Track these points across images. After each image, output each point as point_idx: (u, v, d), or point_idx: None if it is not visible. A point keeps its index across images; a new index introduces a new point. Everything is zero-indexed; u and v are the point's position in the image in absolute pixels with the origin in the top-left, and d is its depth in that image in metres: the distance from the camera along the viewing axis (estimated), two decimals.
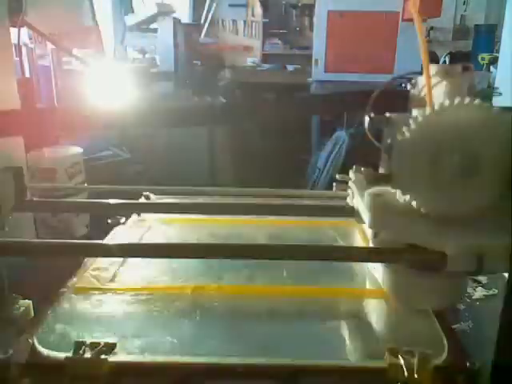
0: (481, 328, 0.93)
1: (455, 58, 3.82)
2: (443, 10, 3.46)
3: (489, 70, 3.25)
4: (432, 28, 4.39)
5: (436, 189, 0.63)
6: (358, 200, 0.80)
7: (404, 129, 0.63)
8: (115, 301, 0.83)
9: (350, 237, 1.09)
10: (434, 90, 0.74)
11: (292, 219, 1.14)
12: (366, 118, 0.76)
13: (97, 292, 0.85)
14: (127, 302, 0.82)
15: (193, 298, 0.83)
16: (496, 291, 1.06)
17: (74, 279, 0.90)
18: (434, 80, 0.75)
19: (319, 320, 0.79)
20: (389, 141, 0.72)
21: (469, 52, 3.90)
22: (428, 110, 0.64)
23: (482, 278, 1.12)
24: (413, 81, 0.81)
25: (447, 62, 3.75)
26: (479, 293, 1.07)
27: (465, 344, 0.75)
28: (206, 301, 0.83)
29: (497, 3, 4.23)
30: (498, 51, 2.18)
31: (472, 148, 0.61)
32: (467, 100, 0.62)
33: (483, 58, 3.31)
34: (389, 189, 0.69)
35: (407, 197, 0.65)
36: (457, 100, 0.62)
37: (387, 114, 0.76)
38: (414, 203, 0.64)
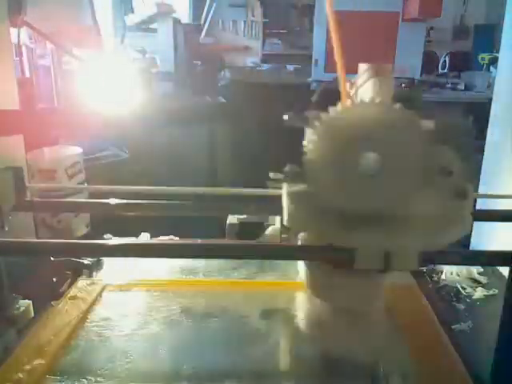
0: (481, 328, 0.93)
1: (455, 57, 3.82)
2: (443, 10, 3.47)
3: (489, 69, 3.25)
4: (432, 28, 4.39)
5: (343, 187, 0.63)
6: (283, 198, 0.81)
7: (315, 126, 0.63)
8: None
9: None
10: (364, 88, 0.75)
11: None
12: (285, 117, 0.77)
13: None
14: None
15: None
16: (496, 291, 1.06)
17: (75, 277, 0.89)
18: (362, 78, 0.76)
19: None
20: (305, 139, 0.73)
21: (469, 52, 3.91)
22: (338, 107, 0.65)
23: (482, 278, 1.12)
24: (352, 80, 0.82)
25: (447, 62, 3.75)
26: (479, 293, 1.07)
27: (465, 344, 0.75)
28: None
29: (497, 3, 4.23)
30: (498, 51, 2.18)
31: (379, 147, 0.61)
32: (379, 99, 0.62)
33: (483, 58, 3.32)
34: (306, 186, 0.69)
35: (318, 194, 0.65)
36: (369, 99, 0.63)
37: (305, 113, 0.77)
38: (323, 200, 0.64)
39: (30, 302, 0.89)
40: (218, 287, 0.95)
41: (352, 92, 0.76)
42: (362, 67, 0.77)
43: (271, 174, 0.95)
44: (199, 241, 0.96)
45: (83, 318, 0.82)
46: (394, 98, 0.68)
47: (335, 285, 0.71)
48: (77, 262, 0.97)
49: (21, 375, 0.67)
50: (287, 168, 0.78)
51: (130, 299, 0.90)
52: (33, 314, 0.88)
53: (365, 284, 0.71)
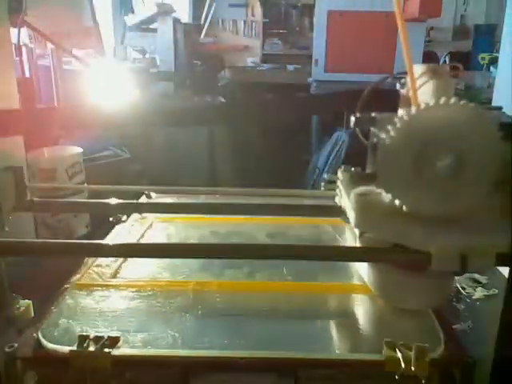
0: (481, 328, 0.93)
1: (455, 57, 3.82)
2: (443, 10, 3.47)
3: (489, 69, 3.25)
4: (432, 28, 4.39)
5: (420, 189, 0.63)
6: (345, 200, 0.80)
7: (389, 128, 0.63)
8: (118, 296, 0.84)
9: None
10: (422, 89, 0.74)
11: (292, 217, 1.16)
12: (352, 118, 0.77)
13: (100, 288, 0.86)
14: (130, 298, 0.83)
15: (194, 293, 0.84)
16: (496, 291, 1.06)
17: (77, 276, 0.91)
18: (421, 80, 0.75)
19: (316, 316, 0.80)
20: (374, 140, 0.73)
21: (469, 52, 3.90)
22: (413, 109, 0.64)
23: (482, 278, 1.12)
24: (402, 80, 0.81)
25: (447, 62, 3.75)
26: (479, 293, 1.07)
27: (465, 343, 0.75)
28: (207, 296, 0.84)
29: (497, 3, 4.23)
30: (497, 51, 2.18)
31: (457, 147, 0.61)
32: (453, 99, 0.62)
33: (483, 58, 3.32)
34: (374, 188, 0.69)
35: (391, 196, 0.65)
36: (442, 99, 0.62)
37: (373, 114, 0.76)
38: (397, 203, 0.64)
39: (30, 302, 0.89)
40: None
41: (410, 93, 0.75)
42: (419, 68, 0.76)
43: (326, 175, 0.97)
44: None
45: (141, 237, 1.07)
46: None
47: (408, 286, 0.71)
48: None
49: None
50: (351, 170, 0.79)
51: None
52: (33, 314, 0.88)
53: (436, 285, 0.71)
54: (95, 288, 0.86)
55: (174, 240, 1.08)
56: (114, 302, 0.82)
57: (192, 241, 1.07)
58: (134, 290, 0.86)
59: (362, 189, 0.72)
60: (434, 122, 0.62)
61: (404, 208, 0.64)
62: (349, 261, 0.91)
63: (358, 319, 0.79)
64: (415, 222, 0.65)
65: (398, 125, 0.62)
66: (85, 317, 0.78)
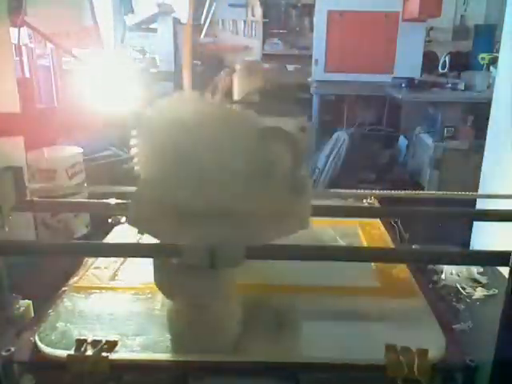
0: (481, 328, 0.93)
1: (455, 57, 3.82)
2: (443, 10, 3.47)
3: (489, 69, 3.25)
4: (432, 28, 4.38)
5: (172, 185, 0.64)
6: None
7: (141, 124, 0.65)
8: (116, 299, 0.83)
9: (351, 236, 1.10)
10: (238, 84, 0.77)
11: None
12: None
13: (98, 291, 0.86)
14: (128, 301, 0.83)
15: None
16: (496, 291, 1.06)
17: (76, 278, 0.90)
18: (239, 75, 0.78)
19: (320, 317, 0.80)
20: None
21: (469, 52, 3.90)
22: (154, 107, 0.65)
23: (482, 278, 1.12)
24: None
25: (447, 62, 3.75)
26: (479, 293, 1.07)
27: (465, 343, 0.75)
28: None
29: (497, 3, 4.22)
30: (497, 51, 2.17)
31: (199, 145, 0.62)
32: (186, 96, 0.63)
33: (483, 58, 3.31)
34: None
35: (153, 193, 0.66)
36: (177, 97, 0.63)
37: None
38: (157, 199, 0.65)
39: (30, 302, 0.89)
40: None
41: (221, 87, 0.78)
42: (237, 64, 0.79)
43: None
44: None
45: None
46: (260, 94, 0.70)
47: (177, 282, 0.71)
48: None
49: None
50: None
51: None
52: (33, 314, 0.88)
53: (206, 281, 0.70)
54: (93, 291, 0.85)
55: None
56: (113, 305, 0.82)
57: None
58: (132, 292, 0.85)
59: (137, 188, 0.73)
60: (178, 119, 0.63)
61: (164, 203, 0.65)
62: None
63: (359, 321, 0.79)
64: (175, 218, 0.65)
65: (142, 122, 0.64)
66: (83, 320, 0.77)
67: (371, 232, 1.08)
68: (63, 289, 0.86)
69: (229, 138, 0.61)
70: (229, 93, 0.79)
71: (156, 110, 0.63)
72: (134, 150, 0.65)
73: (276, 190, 0.65)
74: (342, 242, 1.07)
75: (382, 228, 1.10)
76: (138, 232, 0.71)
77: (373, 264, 0.91)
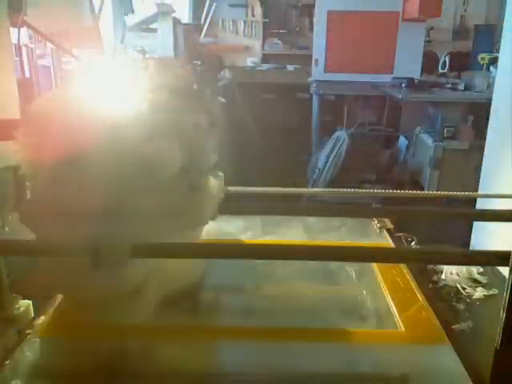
0: (481, 328, 0.93)
1: (455, 57, 3.82)
2: (443, 10, 3.47)
3: (489, 69, 3.25)
4: (432, 28, 4.39)
5: (55, 185, 0.65)
6: None
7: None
8: None
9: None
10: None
11: None
12: None
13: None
14: None
15: None
16: (496, 291, 1.06)
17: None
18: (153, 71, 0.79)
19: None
20: None
21: (469, 52, 3.90)
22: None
23: (482, 278, 1.12)
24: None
25: (447, 62, 3.75)
26: (479, 293, 1.07)
27: (465, 344, 0.75)
28: None
29: (497, 3, 4.22)
30: (497, 51, 2.18)
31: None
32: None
33: (483, 58, 3.31)
34: None
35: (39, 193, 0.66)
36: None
37: None
38: (43, 199, 0.67)
39: (30, 302, 0.88)
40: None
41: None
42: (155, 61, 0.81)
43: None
44: None
45: None
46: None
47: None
48: None
49: None
50: None
51: None
52: (33, 314, 0.88)
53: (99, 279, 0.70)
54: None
55: None
56: None
57: None
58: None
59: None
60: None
61: (50, 203, 0.66)
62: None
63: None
64: (61, 218, 0.66)
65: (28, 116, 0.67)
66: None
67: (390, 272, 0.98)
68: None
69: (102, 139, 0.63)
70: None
71: (38, 106, 0.65)
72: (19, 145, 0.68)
73: (163, 188, 0.66)
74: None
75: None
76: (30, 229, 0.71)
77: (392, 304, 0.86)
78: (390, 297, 0.87)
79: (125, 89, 0.70)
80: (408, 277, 0.96)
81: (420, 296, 0.89)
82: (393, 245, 1.10)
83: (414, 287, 0.92)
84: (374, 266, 0.98)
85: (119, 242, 0.64)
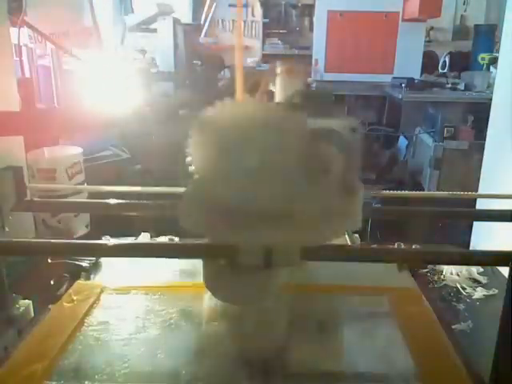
0: (481, 328, 0.93)
1: (455, 57, 3.82)
2: (443, 10, 3.47)
3: (489, 69, 3.25)
4: (432, 28, 4.39)
5: (225, 185, 0.64)
6: None
7: (198, 122, 0.65)
8: None
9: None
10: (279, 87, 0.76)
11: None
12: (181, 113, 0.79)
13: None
14: None
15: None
16: (496, 291, 1.06)
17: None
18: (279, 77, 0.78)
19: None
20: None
21: (469, 52, 3.90)
22: (214, 107, 0.64)
23: (482, 278, 1.12)
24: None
25: (447, 62, 3.75)
26: (479, 293, 1.07)
27: (465, 344, 0.75)
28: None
29: (497, 3, 4.22)
30: (498, 51, 2.18)
31: (253, 146, 0.62)
32: (249, 98, 0.64)
33: (483, 58, 3.31)
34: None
35: (206, 189, 0.66)
36: (244, 98, 0.64)
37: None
38: (210, 199, 0.65)
39: (30, 302, 0.89)
40: None
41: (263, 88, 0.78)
42: (279, 66, 0.79)
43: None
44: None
45: (81, 321, 0.78)
46: (302, 96, 0.69)
47: (228, 283, 0.71)
48: (74, 264, 0.96)
49: (18, 380, 0.65)
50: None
51: (128, 302, 0.86)
52: (33, 314, 0.88)
53: (252, 282, 0.70)
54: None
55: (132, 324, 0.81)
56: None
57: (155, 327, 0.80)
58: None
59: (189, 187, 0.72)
60: (235, 120, 0.63)
61: (217, 203, 0.65)
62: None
63: None
64: (227, 218, 0.65)
65: (200, 123, 0.64)
66: None
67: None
68: (61, 290, 0.85)
69: (282, 139, 0.62)
70: (267, 94, 0.79)
71: (212, 112, 0.63)
72: (189, 150, 0.66)
73: (328, 191, 0.65)
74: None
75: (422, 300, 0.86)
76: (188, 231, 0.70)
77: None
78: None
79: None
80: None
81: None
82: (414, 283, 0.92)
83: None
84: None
85: (291, 242, 0.64)
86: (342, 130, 0.65)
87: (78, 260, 0.96)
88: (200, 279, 0.77)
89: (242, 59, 0.77)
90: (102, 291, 0.87)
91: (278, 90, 0.77)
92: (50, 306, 0.83)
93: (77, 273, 0.93)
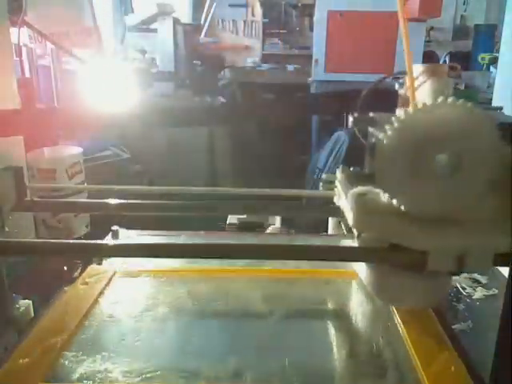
0: (481, 328, 0.93)
1: (455, 57, 3.82)
2: (443, 10, 3.47)
3: (489, 69, 3.25)
4: (432, 28, 4.39)
5: (417, 188, 0.62)
6: (343, 200, 0.79)
7: (386, 128, 0.63)
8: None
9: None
10: (421, 89, 0.74)
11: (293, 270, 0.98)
12: (351, 118, 0.77)
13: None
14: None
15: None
16: (496, 291, 1.06)
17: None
18: (420, 79, 0.75)
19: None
20: (372, 140, 0.73)
21: (469, 52, 3.90)
22: (411, 108, 0.64)
23: (482, 278, 1.12)
24: (401, 80, 0.81)
25: (447, 62, 3.75)
26: (479, 293, 1.07)
27: (465, 344, 0.75)
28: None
29: (497, 3, 4.23)
30: (498, 51, 2.18)
31: (453, 147, 0.61)
32: (450, 99, 0.62)
33: (483, 58, 3.31)
34: (373, 188, 0.69)
35: (389, 196, 0.64)
36: (440, 99, 0.62)
37: (371, 114, 0.76)
38: (395, 202, 0.64)
39: (30, 302, 0.89)
40: (220, 273, 0.98)
41: (407, 93, 0.76)
42: (418, 68, 0.76)
43: (324, 175, 0.97)
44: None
45: (95, 300, 0.85)
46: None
47: (404, 286, 0.71)
48: None
49: (40, 351, 0.70)
50: (349, 170, 0.79)
51: (138, 284, 0.93)
52: (33, 314, 0.88)
53: (432, 285, 0.70)
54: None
55: (142, 303, 0.87)
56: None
57: (163, 305, 0.86)
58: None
59: (360, 189, 0.72)
60: (430, 122, 0.62)
61: (402, 208, 0.64)
62: (346, 261, 0.90)
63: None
64: (412, 221, 0.64)
65: (396, 125, 0.62)
66: None
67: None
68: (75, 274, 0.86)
69: (479, 140, 0.61)
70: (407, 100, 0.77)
71: (406, 114, 0.62)
72: (379, 150, 0.64)
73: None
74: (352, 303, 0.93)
75: None
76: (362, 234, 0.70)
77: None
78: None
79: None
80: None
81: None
82: None
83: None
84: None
85: (483, 247, 0.63)
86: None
87: None
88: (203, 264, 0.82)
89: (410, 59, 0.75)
90: (114, 274, 0.94)
91: (426, 93, 0.75)
92: (65, 288, 0.88)
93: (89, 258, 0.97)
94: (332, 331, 0.82)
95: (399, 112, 0.65)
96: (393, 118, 0.62)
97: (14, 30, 1.84)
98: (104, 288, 0.89)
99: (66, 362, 0.69)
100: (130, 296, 0.89)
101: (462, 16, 4.64)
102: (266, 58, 4.69)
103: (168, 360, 0.73)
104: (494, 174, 0.61)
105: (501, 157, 0.61)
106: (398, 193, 0.63)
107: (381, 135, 0.63)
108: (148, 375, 0.67)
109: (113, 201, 0.95)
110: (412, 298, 0.73)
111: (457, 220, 0.63)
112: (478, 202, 0.62)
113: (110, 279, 0.92)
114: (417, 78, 0.75)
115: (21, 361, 0.68)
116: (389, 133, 0.62)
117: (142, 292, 0.90)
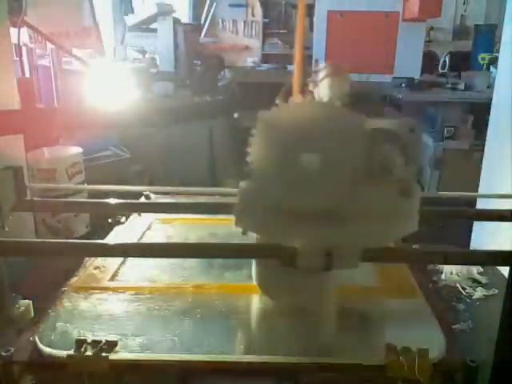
0: (481, 328, 0.93)
1: (455, 57, 3.82)
2: (443, 10, 3.47)
3: (489, 69, 3.25)
4: (432, 28, 4.39)
5: (286, 185, 0.64)
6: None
7: (257, 125, 0.64)
8: (116, 299, 0.83)
9: None
10: (321, 85, 0.76)
11: None
12: (235, 115, 0.79)
13: (97, 291, 0.85)
14: (128, 301, 0.83)
15: (193, 296, 0.84)
16: (496, 291, 1.06)
17: (75, 278, 0.90)
18: (320, 76, 0.78)
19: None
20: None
21: (469, 52, 3.90)
22: (275, 108, 0.65)
23: (482, 278, 1.12)
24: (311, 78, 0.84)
25: (447, 62, 3.75)
26: (479, 293, 1.07)
27: (465, 343, 0.75)
28: (206, 299, 0.83)
29: (497, 3, 4.23)
30: (498, 51, 2.18)
31: (314, 146, 0.62)
32: (311, 99, 0.63)
33: (483, 58, 3.31)
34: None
35: (263, 190, 0.65)
36: (300, 99, 0.64)
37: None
38: (267, 198, 0.65)
39: (30, 302, 0.89)
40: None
41: (312, 89, 0.77)
42: (321, 66, 0.79)
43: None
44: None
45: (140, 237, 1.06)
46: (352, 95, 0.69)
47: (282, 283, 0.71)
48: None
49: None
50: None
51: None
52: (33, 314, 0.88)
53: (311, 283, 0.71)
54: (93, 291, 0.85)
55: (173, 241, 1.06)
56: (112, 305, 0.82)
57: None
58: (132, 292, 0.85)
59: (244, 186, 0.72)
60: (295, 121, 0.63)
61: (274, 202, 0.65)
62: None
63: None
64: (285, 219, 0.65)
65: (261, 123, 0.64)
66: (82, 320, 0.77)
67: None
68: (63, 289, 0.86)
69: (342, 139, 0.62)
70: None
71: (273, 112, 0.64)
72: (250, 149, 0.66)
73: (386, 191, 0.64)
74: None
75: None
76: (243, 231, 0.70)
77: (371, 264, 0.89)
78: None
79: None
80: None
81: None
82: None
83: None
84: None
85: (351, 244, 0.64)
86: (401, 130, 0.64)
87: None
88: None
89: (302, 57, 0.77)
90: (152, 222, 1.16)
91: (324, 90, 0.76)
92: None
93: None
94: None
95: (262, 112, 0.65)
96: (258, 116, 0.64)
97: (14, 30, 1.84)
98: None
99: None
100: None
101: (461, 16, 4.64)
102: (265, 58, 4.69)
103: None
104: (358, 173, 0.62)
105: (366, 155, 0.62)
106: (267, 189, 0.65)
107: (253, 132, 0.65)
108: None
109: (113, 201, 0.95)
110: (289, 295, 0.73)
111: (326, 217, 0.64)
112: (347, 200, 0.63)
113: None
114: (318, 74, 0.78)
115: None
116: (256, 131, 0.64)
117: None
